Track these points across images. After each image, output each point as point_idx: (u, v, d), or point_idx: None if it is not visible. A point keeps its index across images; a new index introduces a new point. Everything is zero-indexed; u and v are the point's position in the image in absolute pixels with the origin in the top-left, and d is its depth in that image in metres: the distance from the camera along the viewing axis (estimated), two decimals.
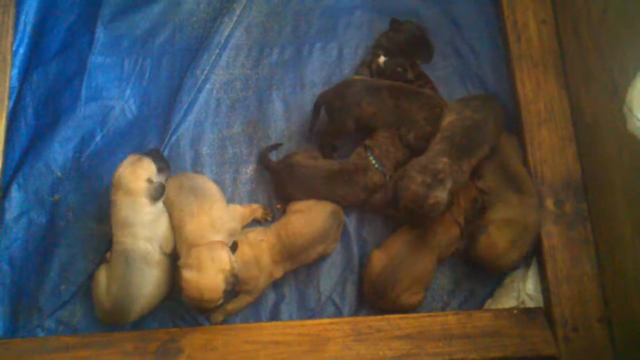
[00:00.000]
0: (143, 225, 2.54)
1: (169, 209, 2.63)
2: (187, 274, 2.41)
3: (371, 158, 2.74)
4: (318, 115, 2.85)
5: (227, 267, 2.43)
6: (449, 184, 2.44)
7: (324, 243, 2.67)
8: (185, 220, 2.56)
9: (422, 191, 2.42)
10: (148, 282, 2.52)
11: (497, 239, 2.60)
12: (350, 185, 2.73)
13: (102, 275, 2.56)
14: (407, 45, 2.95)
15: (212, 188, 2.70)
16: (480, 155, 2.57)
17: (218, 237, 2.52)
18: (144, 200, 2.54)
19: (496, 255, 2.61)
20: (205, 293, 2.40)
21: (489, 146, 2.59)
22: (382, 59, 2.94)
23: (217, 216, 2.59)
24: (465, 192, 2.66)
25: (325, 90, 2.87)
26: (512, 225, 2.60)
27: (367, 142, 2.78)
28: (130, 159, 2.60)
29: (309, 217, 2.65)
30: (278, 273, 2.64)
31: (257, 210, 2.78)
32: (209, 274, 2.40)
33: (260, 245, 2.60)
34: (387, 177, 2.73)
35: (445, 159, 2.47)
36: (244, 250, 2.57)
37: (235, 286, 2.49)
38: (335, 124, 2.81)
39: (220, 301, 2.45)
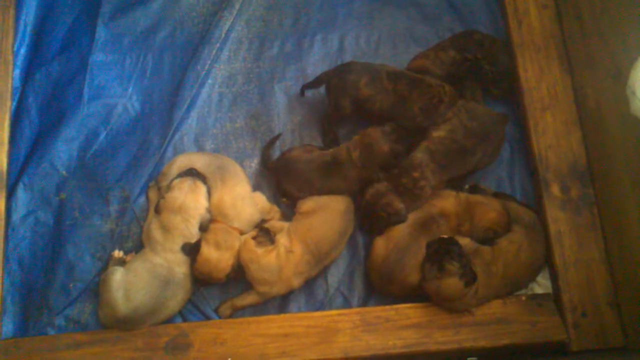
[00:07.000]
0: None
1: None
2: (205, 249, 2.54)
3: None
4: (315, 85, 2.88)
5: (235, 255, 2.57)
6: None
7: (343, 242, 2.68)
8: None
9: (383, 189, 2.65)
10: (175, 304, 2.59)
11: None
12: (343, 177, 2.71)
13: (117, 279, 2.55)
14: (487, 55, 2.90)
15: (238, 170, 2.78)
16: (452, 175, 2.70)
17: (235, 223, 2.63)
18: (196, 230, 2.59)
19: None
20: (214, 272, 2.56)
21: (467, 171, 2.73)
22: None
23: (239, 195, 2.67)
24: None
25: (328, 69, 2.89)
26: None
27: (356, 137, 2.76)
28: (187, 183, 2.62)
29: (327, 218, 2.64)
30: (298, 284, 2.63)
31: (276, 213, 2.77)
32: (224, 255, 2.53)
33: (288, 257, 2.58)
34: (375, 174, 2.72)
35: (416, 174, 2.64)
36: (270, 256, 2.58)
37: (237, 275, 2.60)
38: (331, 103, 2.82)
39: (222, 281, 2.61)
